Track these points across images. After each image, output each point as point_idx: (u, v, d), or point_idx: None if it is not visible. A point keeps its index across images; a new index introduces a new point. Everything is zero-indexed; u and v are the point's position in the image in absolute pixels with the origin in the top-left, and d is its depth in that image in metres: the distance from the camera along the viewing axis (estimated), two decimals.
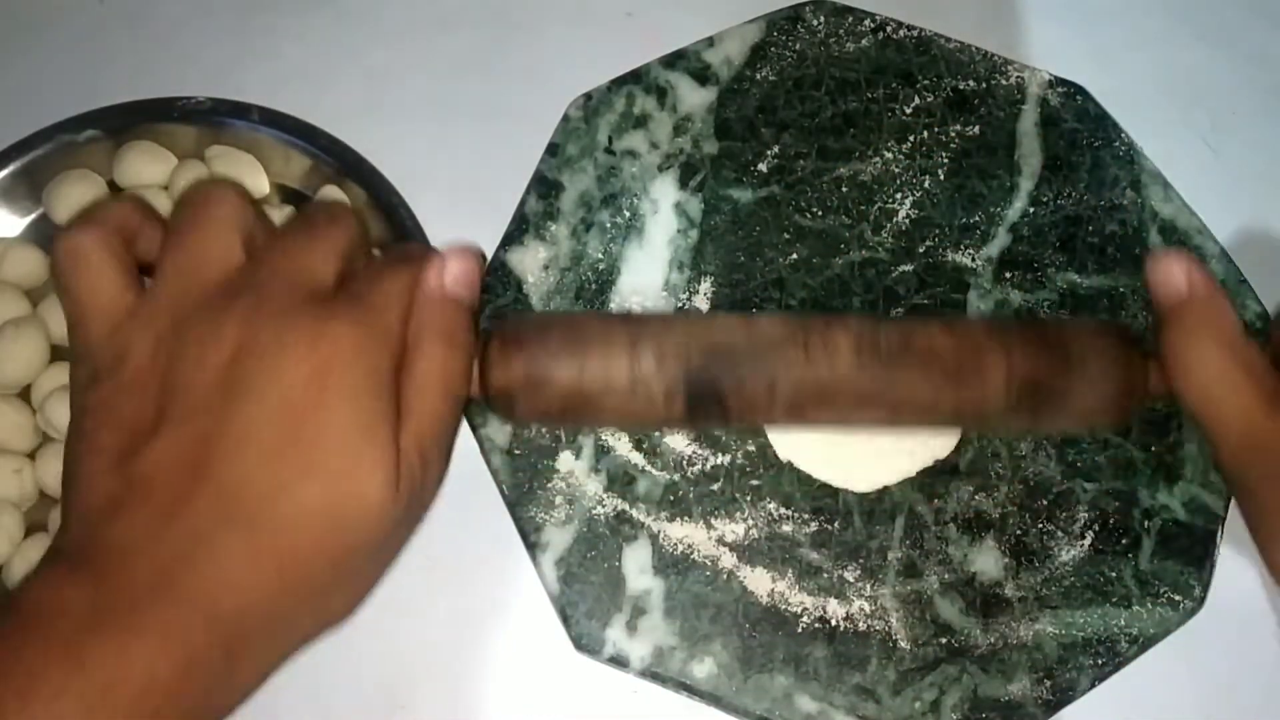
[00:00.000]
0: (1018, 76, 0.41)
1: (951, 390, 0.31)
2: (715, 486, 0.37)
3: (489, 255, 0.39)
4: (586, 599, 0.36)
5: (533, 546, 0.36)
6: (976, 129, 0.41)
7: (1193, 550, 0.37)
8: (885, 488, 0.37)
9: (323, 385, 0.26)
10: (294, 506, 0.26)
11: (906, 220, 0.40)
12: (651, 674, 0.35)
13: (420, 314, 0.30)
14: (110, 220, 0.29)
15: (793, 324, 0.32)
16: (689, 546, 0.37)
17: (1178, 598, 0.36)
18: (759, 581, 0.36)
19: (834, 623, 0.36)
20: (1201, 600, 0.36)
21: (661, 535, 0.37)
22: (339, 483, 0.26)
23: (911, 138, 0.41)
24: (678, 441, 0.37)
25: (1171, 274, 0.32)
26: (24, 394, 0.38)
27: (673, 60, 0.41)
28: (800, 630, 0.36)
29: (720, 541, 0.37)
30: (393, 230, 0.39)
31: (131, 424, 0.26)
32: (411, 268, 0.30)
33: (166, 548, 0.25)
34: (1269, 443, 0.30)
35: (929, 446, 0.37)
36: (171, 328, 0.27)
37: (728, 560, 0.36)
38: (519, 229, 0.39)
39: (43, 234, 0.40)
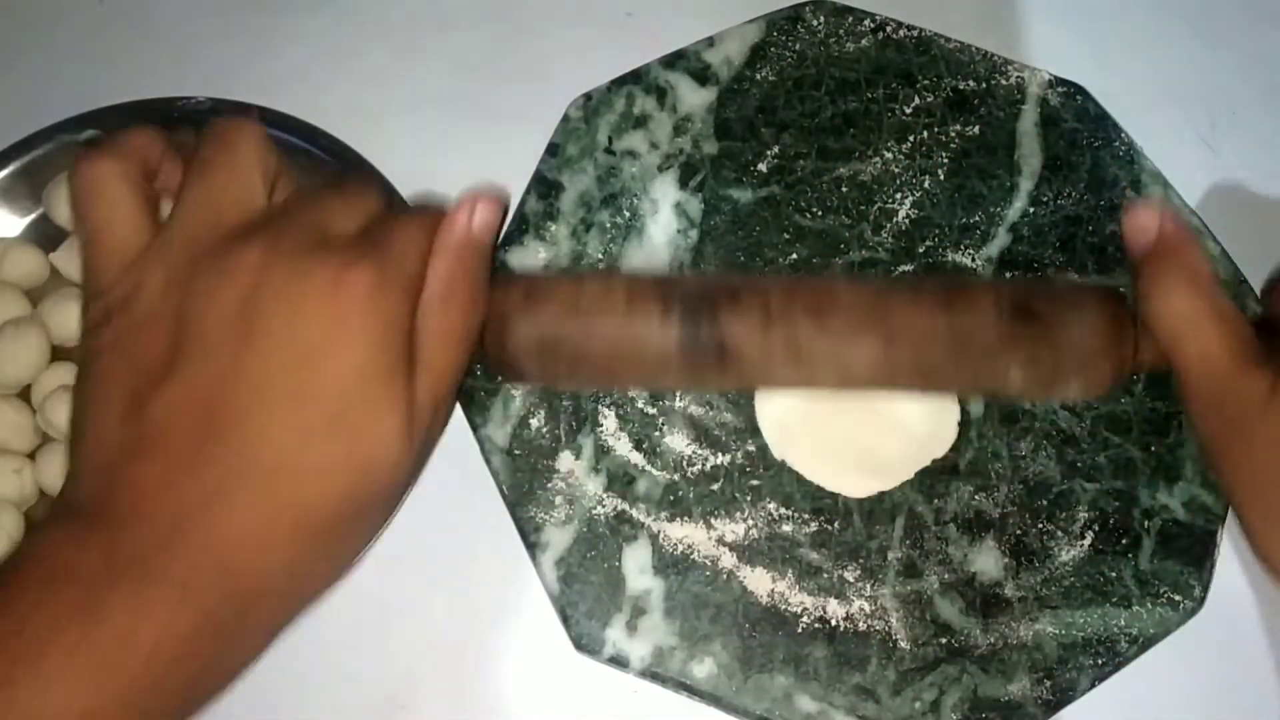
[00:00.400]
0: (1018, 76, 0.41)
1: (943, 316, 0.31)
2: (715, 486, 0.37)
3: None
4: (586, 599, 0.36)
5: (533, 546, 0.36)
6: (976, 129, 0.41)
7: (1193, 550, 0.37)
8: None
9: (340, 333, 0.26)
10: (312, 461, 0.26)
11: (906, 220, 0.40)
12: (651, 674, 0.35)
13: (445, 258, 0.29)
14: (131, 150, 0.29)
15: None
16: (689, 546, 0.37)
17: (1178, 598, 0.36)
18: (759, 581, 0.36)
19: (834, 623, 0.36)
20: (1201, 600, 0.36)
21: (661, 535, 0.37)
22: (356, 436, 0.26)
23: (911, 138, 0.41)
24: (678, 441, 0.37)
25: (1143, 220, 0.32)
26: (24, 394, 0.38)
27: (673, 60, 0.41)
28: (800, 630, 0.36)
29: (720, 541, 0.37)
30: None
31: (144, 364, 0.26)
32: (432, 213, 0.30)
33: (181, 500, 0.25)
34: (1231, 390, 0.30)
35: (926, 449, 0.37)
36: (187, 264, 0.26)
37: (728, 560, 0.36)
38: (519, 229, 0.39)
39: (43, 234, 0.40)
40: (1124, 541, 0.37)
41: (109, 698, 0.23)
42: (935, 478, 0.37)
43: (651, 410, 0.38)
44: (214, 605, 0.24)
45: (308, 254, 0.26)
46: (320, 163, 0.40)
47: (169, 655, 0.24)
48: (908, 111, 0.41)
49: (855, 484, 0.37)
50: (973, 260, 0.39)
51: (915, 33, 0.42)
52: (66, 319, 0.37)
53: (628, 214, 0.40)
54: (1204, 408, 0.31)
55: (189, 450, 0.25)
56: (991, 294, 0.32)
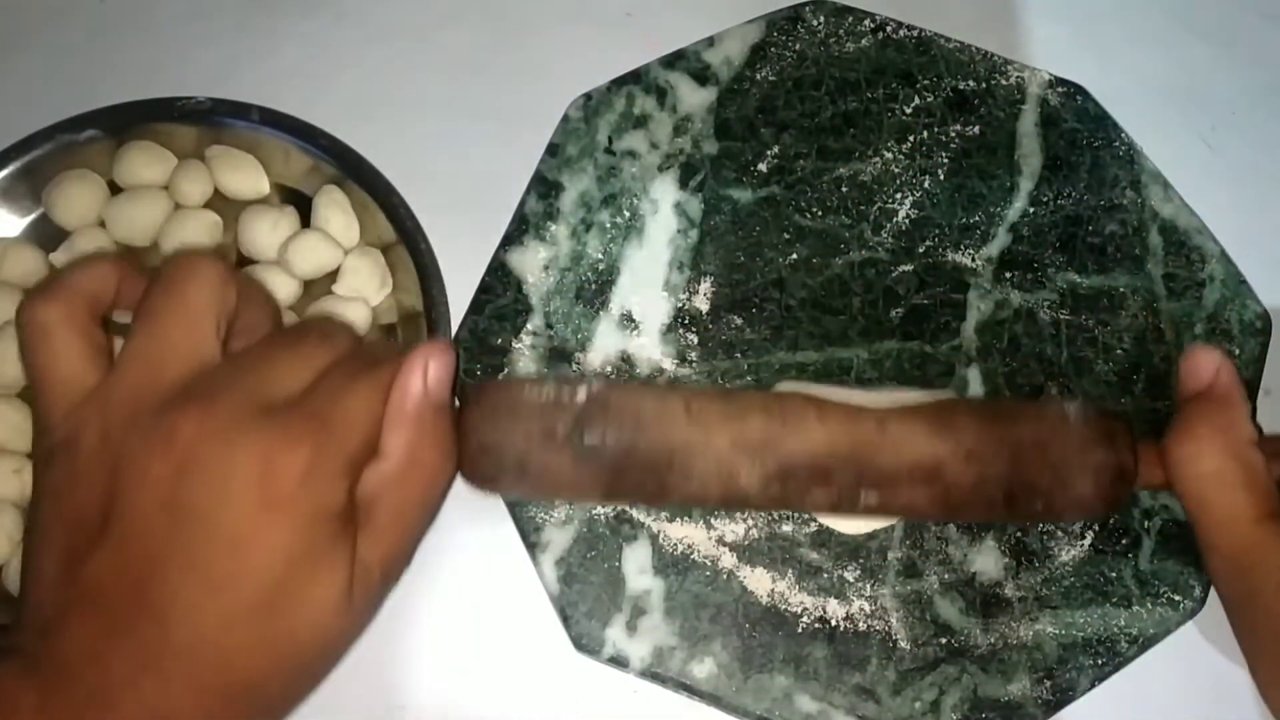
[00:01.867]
0: (1018, 76, 0.41)
1: (930, 507, 0.32)
2: None
3: (489, 255, 0.39)
4: (586, 599, 0.36)
5: (533, 546, 0.36)
6: (976, 129, 0.41)
7: (1192, 550, 0.36)
8: None
9: (267, 520, 0.25)
10: (240, 643, 0.25)
11: (906, 220, 0.40)
12: (651, 674, 0.35)
13: (404, 428, 0.28)
14: (79, 289, 0.28)
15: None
16: (689, 546, 0.37)
17: (1178, 598, 0.36)
18: (759, 581, 0.36)
19: (834, 623, 0.36)
20: (1201, 600, 0.36)
21: (661, 535, 0.37)
22: (285, 617, 0.26)
23: (911, 138, 0.41)
24: None
25: (1200, 366, 0.32)
26: (24, 394, 0.38)
27: (673, 60, 0.41)
28: (800, 630, 0.36)
29: (720, 541, 0.37)
30: (393, 230, 0.39)
31: (80, 519, 0.25)
32: (383, 374, 0.29)
33: (111, 669, 0.24)
34: (1255, 555, 0.30)
35: None
36: (123, 422, 0.26)
37: (728, 560, 0.36)
38: (519, 229, 0.39)
39: (43, 234, 0.40)
40: (1124, 541, 0.37)
41: None
42: None
43: None
44: None
45: (242, 427, 0.26)
46: (320, 162, 0.40)
47: None
48: (908, 111, 0.41)
49: (848, 524, 0.37)
50: (973, 260, 0.39)
51: (915, 33, 0.42)
52: None
53: (628, 214, 0.40)
54: (1225, 567, 0.31)
55: (120, 619, 0.25)
56: (976, 489, 0.32)
